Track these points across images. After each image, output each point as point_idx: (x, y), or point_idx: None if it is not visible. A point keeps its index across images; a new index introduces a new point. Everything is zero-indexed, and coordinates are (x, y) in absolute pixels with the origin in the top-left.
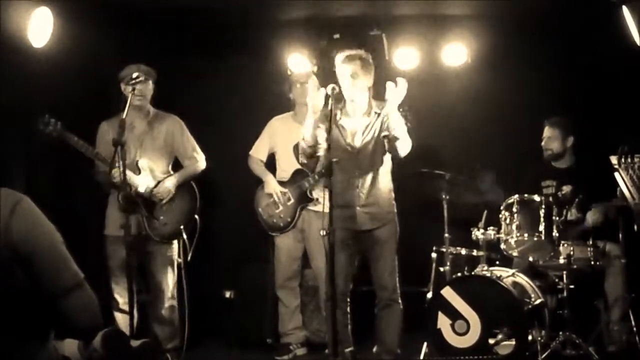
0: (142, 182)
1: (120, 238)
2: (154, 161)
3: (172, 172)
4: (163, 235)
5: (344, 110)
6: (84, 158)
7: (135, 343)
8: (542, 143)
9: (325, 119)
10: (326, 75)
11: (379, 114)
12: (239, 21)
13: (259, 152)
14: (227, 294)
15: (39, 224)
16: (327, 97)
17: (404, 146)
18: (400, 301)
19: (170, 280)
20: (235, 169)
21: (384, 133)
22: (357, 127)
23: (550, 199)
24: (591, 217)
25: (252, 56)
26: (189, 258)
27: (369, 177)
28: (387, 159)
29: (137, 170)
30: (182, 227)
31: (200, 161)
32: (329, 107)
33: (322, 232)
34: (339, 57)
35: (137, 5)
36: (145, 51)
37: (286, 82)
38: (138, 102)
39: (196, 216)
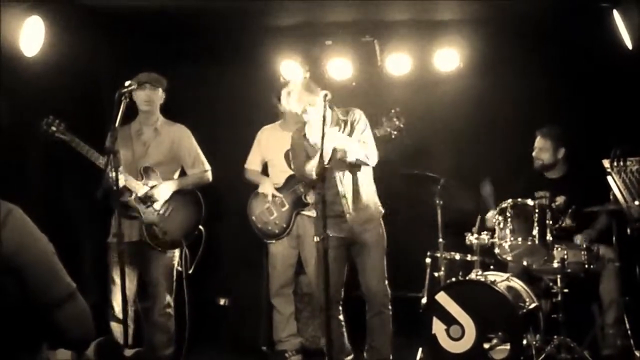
0: (143, 188)
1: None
2: (158, 168)
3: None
4: (162, 243)
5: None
6: (81, 167)
7: (128, 352)
8: (533, 153)
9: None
10: (318, 81)
11: (346, 121)
12: (231, 28)
13: (253, 163)
14: (222, 302)
15: (30, 235)
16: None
17: (368, 159)
18: (390, 307)
19: (167, 288)
20: (229, 176)
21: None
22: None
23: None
24: (580, 239)
25: (246, 63)
26: (190, 270)
27: (351, 183)
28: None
29: (140, 177)
30: (183, 237)
31: (205, 172)
32: (323, 113)
33: (316, 239)
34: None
35: (129, 13)
36: (137, 58)
37: (273, 92)
38: (146, 108)
39: (201, 227)
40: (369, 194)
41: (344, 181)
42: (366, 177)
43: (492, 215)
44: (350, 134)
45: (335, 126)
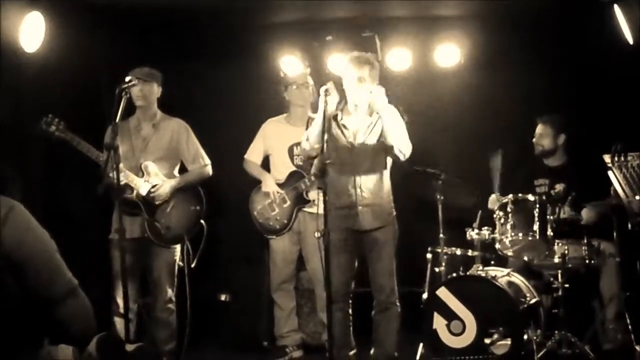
0: (144, 185)
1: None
2: (158, 164)
3: (176, 175)
4: (165, 239)
5: (345, 109)
6: (84, 161)
7: (130, 347)
8: (534, 139)
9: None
10: (319, 76)
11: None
12: (231, 24)
13: (253, 155)
14: (223, 297)
15: (31, 232)
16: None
17: (404, 150)
18: (398, 303)
19: (169, 283)
20: (231, 171)
21: (382, 140)
22: (358, 127)
23: (544, 197)
24: (586, 214)
25: (246, 58)
26: (192, 264)
27: (372, 176)
28: (390, 160)
29: (140, 173)
30: (184, 232)
31: (205, 167)
32: (324, 108)
33: (317, 234)
34: (348, 58)
35: (129, 9)
36: (137, 55)
37: (281, 83)
38: (140, 103)
39: (202, 221)
40: (387, 192)
41: (361, 172)
42: (387, 173)
43: (494, 200)
44: (381, 129)
45: (368, 116)
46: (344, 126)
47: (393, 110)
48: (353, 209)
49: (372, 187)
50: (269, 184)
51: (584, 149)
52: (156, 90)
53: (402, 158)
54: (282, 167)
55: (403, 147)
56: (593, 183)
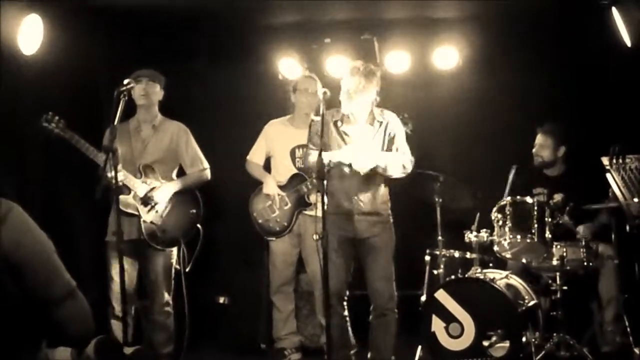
0: (142, 186)
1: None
2: (157, 166)
3: (174, 179)
4: (161, 241)
5: (344, 118)
6: (81, 164)
7: (128, 350)
8: (534, 150)
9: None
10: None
11: (381, 123)
12: (229, 25)
13: (256, 156)
14: (221, 300)
15: (30, 233)
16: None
17: (405, 169)
18: (396, 310)
19: (166, 286)
20: (229, 174)
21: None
22: (359, 135)
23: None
24: (582, 232)
25: (245, 60)
26: (187, 268)
27: (370, 185)
28: None
29: (139, 174)
30: (181, 235)
31: (204, 171)
32: (321, 111)
33: (315, 237)
34: (346, 68)
35: (127, 11)
36: (136, 57)
37: (290, 85)
38: (142, 102)
39: (199, 225)
40: (384, 201)
41: (359, 181)
42: (382, 180)
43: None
44: (383, 138)
45: (368, 125)
46: (345, 133)
47: (397, 125)
48: (350, 216)
49: (369, 195)
50: (270, 185)
51: (583, 157)
52: (158, 92)
53: (405, 173)
54: (284, 169)
55: (402, 171)
56: (591, 191)
